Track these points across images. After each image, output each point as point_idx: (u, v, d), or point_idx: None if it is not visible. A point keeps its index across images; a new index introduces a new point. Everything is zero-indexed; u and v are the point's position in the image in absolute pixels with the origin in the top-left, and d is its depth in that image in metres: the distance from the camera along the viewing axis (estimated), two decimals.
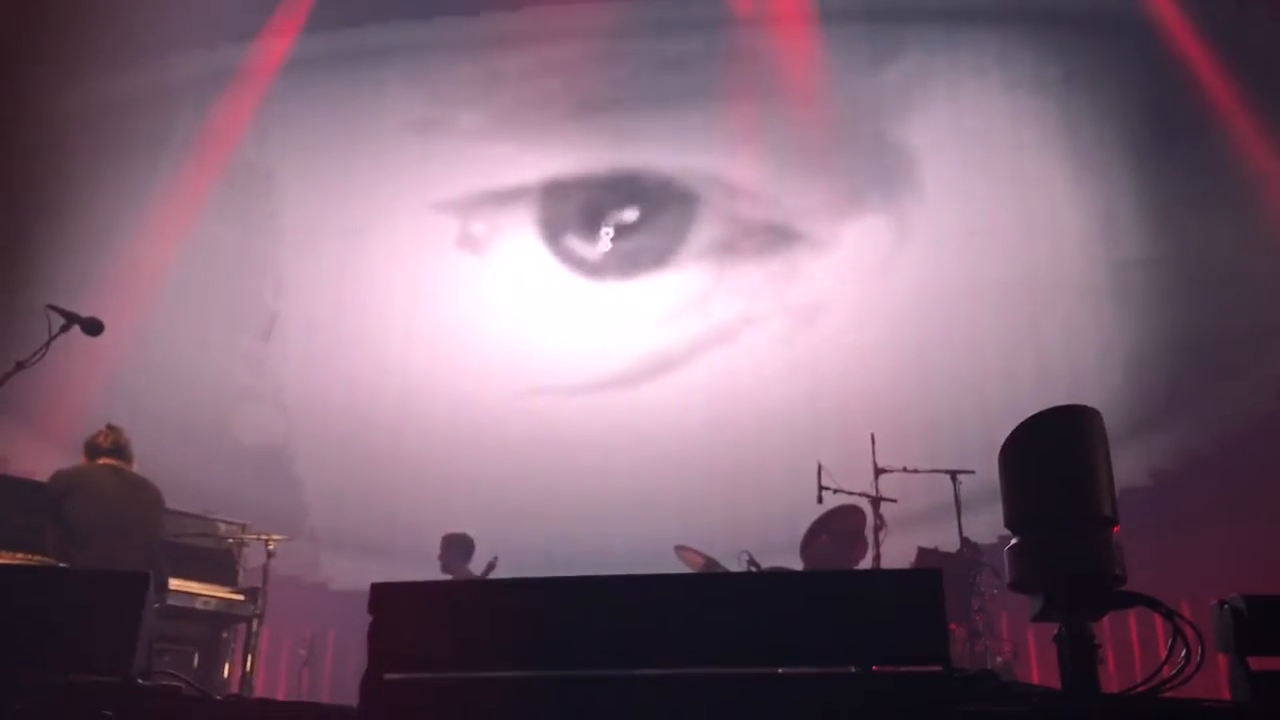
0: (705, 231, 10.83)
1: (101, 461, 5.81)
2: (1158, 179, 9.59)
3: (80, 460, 5.90)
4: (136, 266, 10.02)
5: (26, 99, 9.16)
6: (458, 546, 8.24)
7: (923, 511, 7.54)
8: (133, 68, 9.95)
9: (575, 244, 10.96)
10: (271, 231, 10.76)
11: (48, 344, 4.85)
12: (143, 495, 5.83)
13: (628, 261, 10.93)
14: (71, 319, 5.00)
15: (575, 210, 10.93)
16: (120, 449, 5.86)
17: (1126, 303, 9.56)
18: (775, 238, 10.68)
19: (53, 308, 4.97)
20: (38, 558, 5.53)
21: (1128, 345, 9.39)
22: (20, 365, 4.76)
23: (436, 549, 8.25)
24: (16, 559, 5.51)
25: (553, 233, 10.94)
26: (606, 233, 10.62)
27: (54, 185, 9.62)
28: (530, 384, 10.55)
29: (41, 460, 7.42)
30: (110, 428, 5.93)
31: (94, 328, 5.08)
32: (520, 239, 10.99)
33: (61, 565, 5.42)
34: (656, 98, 10.86)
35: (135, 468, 5.95)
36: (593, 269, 10.95)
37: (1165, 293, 9.40)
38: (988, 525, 6.42)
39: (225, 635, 6.41)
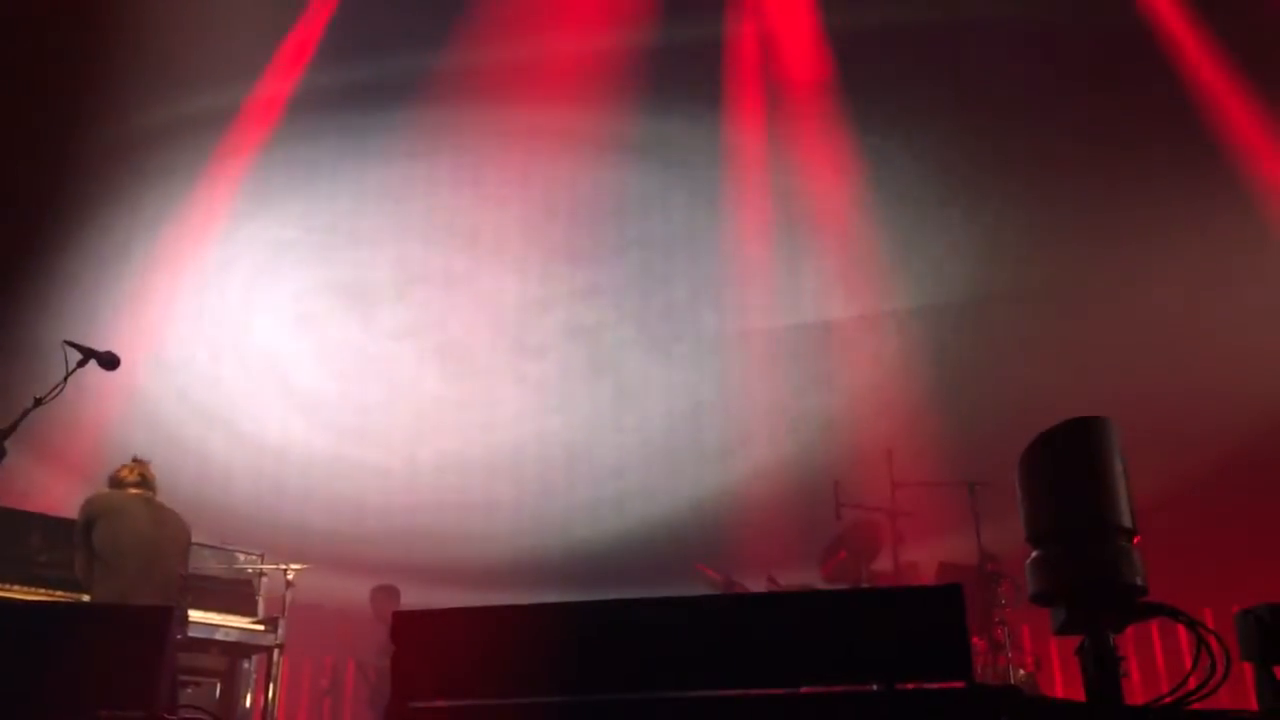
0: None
1: (131, 493, 5.83)
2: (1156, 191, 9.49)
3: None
4: (150, 297, 10.10)
5: (43, 137, 9.27)
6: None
7: (940, 524, 7.51)
8: (143, 105, 10.02)
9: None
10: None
11: (65, 380, 4.84)
12: (170, 529, 5.83)
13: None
14: (88, 354, 4.98)
15: None
16: (145, 482, 5.87)
17: (1134, 310, 9.46)
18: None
19: (69, 343, 4.98)
20: (60, 594, 5.56)
21: (1139, 351, 9.27)
22: (39, 401, 4.76)
23: (465, 573, 8.39)
24: (40, 595, 5.54)
25: None
26: None
27: (66, 221, 9.72)
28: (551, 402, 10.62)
29: (61, 494, 7.45)
30: (136, 460, 5.94)
31: (110, 362, 5.06)
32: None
33: (85, 599, 5.45)
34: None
35: (161, 499, 5.97)
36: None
37: (1175, 295, 9.31)
38: (1006, 536, 6.37)
39: (247, 665, 6.42)
